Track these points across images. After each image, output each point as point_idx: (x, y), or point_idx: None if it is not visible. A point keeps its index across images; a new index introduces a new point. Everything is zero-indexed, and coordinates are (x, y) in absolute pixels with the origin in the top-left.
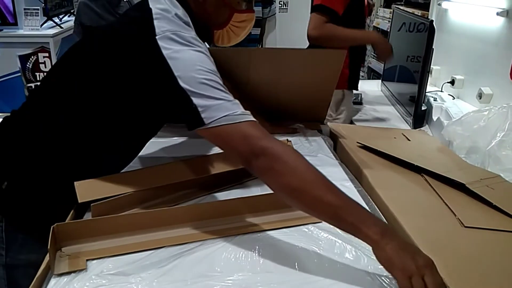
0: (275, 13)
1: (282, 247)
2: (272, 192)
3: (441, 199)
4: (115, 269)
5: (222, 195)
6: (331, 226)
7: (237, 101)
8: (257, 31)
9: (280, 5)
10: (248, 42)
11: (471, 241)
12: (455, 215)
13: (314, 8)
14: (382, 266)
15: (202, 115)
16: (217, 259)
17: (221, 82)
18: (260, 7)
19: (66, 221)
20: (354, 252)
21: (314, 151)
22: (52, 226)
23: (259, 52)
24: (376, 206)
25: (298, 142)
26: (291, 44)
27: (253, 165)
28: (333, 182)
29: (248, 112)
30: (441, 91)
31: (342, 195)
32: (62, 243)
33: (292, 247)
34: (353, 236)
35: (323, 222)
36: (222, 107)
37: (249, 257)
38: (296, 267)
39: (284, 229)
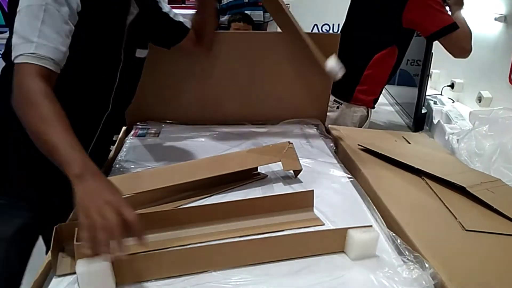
0: None
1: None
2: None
3: (442, 202)
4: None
5: (226, 198)
6: (332, 227)
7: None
8: None
9: None
10: None
11: (471, 244)
12: (455, 218)
13: (446, 31)
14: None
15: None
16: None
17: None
18: (262, 11)
19: (68, 221)
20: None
21: (315, 153)
22: (55, 227)
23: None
24: (376, 209)
25: (299, 144)
26: None
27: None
28: (334, 184)
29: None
30: (441, 94)
31: (67, 136)
32: (64, 243)
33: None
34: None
35: (323, 226)
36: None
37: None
38: (297, 269)
39: (284, 233)
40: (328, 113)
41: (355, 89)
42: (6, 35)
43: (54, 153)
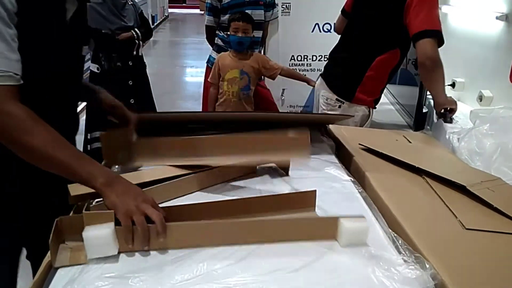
0: (277, 17)
1: (283, 249)
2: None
3: (442, 201)
4: (116, 271)
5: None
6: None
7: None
8: (259, 33)
9: (283, 9)
10: (252, 45)
11: (472, 243)
12: (456, 217)
13: (425, 34)
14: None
15: None
16: (218, 260)
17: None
18: (262, 10)
19: (70, 214)
20: (355, 255)
21: (316, 153)
22: (56, 220)
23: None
24: (377, 208)
25: None
26: (294, 47)
27: None
28: (335, 183)
29: (10, 73)
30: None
31: (74, 152)
32: (65, 236)
33: (293, 250)
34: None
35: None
36: None
37: (250, 258)
38: (297, 268)
39: None
40: (329, 112)
41: (356, 90)
42: None
43: (72, 172)
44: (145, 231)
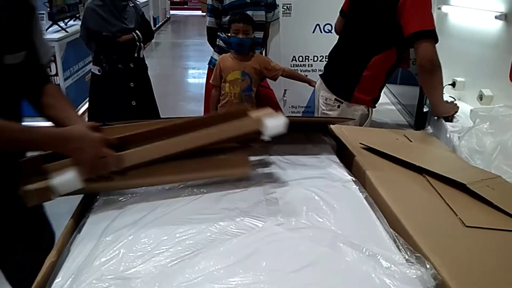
0: (279, 17)
1: (284, 249)
2: None
3: (443, 199)
4: (116, 273)
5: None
6: (334, 227)
7: None
8: (260, 34)
9: (284, 10)
10: (253, 46)
11: (472, 240)
12: (456, 215)
13: (423, 35)
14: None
15: None
16: (220, 261)
17: None
18: (264, 11)
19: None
20: (356, 254)
21: (317, 153)
22: (20, 160)
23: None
24: (378, 207)
25: (301, 144)
26: (295, 48)
27: None
28: (336, 183)
29: None
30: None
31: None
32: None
33: (295, 249)
34: (353, 237)
35: (325, 224)
36: None
37: (252, 258)
38: (299, 268)
39: (286, 232)
40: (329, 112)
41: (354, 89)
42: None
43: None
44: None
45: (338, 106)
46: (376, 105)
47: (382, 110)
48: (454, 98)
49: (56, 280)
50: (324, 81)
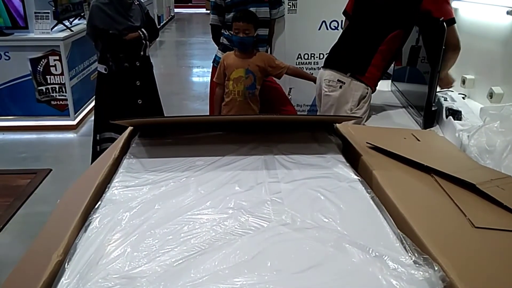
0: (284, 14)
1: (289, 249)
2: None
3: (451, 199)
4: (122, 272)
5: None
6: (340, 228)
7: None
8: (265, 31)
9: (289, 6)
10: (257, 43)
11: (481, 241)
12: (465, 215)
13: (450, 22)
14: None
15: None
16: (225, 261)
17: None
18: (268, 8)
19: None
20: (363, 255)
21: (323, 152)
22: None
23: None
24: (385, 207)
25: (306, 143)
26: (300, 45)
27: None
28: (342, 182)
29: None
30: (452, 90)
31: None
32: None
33: (300, 250)
34: (360, 238)
35: (331, 225)
36: None
37: (257, 258)
38: (304, 268)
39: (291, 233)
40: (330, 93)
41: (370, 63)
42: (14, 36)
43: None
44: None
45: (340, 87)
46: (375, 89)
47: (390, 108)
48: (463, 96)
49: (63, 279)
50: (329, 66)
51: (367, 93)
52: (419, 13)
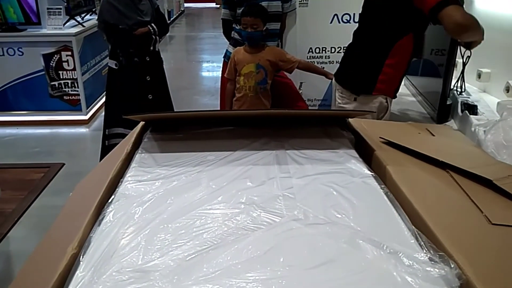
0: (295, 8)
1: (302, 245)
2: None
3: (467, 195)
4: (135, 265)
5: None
6: (353, 224)
7: None
8: (276, 25)
9: (301, 0)
10: (267, 37)
11: (498, 238)
12: (481, 212)
13: (445, 3)
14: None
15: None
16: (237, 256)
17: None
18: (280, 2)
19: None
20: (377, 251)
21: (336, 147)
22: None
23: None
24: (399, 203)
25: (318, 138)
26: (312, 39)
27: None
28: (355, 178)
29: None
30: (467, 84)
31: None
32: None
33: (313, 245)
34: (373, 234)
35: (344, 221)
36: None
37: (269, 254)
38: (317, 264)
39: (304, 228)
40: (345, 106)
41: (377, 80)
42: (27, 32)
43: None
44: None
45: (355, 99)
46: (396, 95)
47: (403, 103)
48: (479, 90)
49: (78, 272)
50: (340, 80)
51: (387, 101)
52: (416, 13)
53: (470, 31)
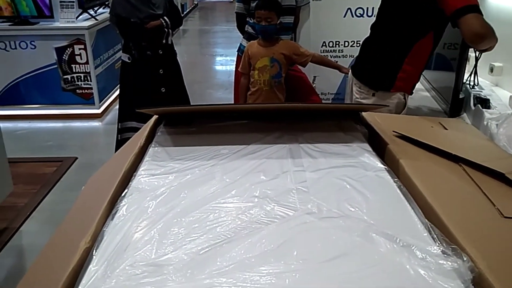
0: (309, 2)
1: (315, 238)
2: None
3: (480, 189)
4: (149, 259)
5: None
6: (367, 217)
7: None
8: (290, 19)
9: None
10: (281, 31)
11: (510, 231)
12: (494, 205)
13: (467, 10)
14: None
15: None
16: (251, 249)
17: None
18: None
19: None
20: (390, 244)
21: (349, 141)
22: None
23: None
24: (413, 197)
25: (331, 131)
26: (325, 33)
27: None
28: (368, 172)
29: None
30: (479, 78)
31: None
32: None
33: (327, 239)
34: (387, 228)
35: (357, 214)
36: None
37: (283, 247)
38: (331, 257)
39: (317, 222)
40: (363, 100)
41: (396, 78)
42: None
43: None
44: None
45: (373, 94)
46: (413, 91)
47: (416, 97)
48: (492, 84)
49: (91, 266)
50: (357, 75)
51: (405, 98)
52: (437, 11)
53: (486, 41)
